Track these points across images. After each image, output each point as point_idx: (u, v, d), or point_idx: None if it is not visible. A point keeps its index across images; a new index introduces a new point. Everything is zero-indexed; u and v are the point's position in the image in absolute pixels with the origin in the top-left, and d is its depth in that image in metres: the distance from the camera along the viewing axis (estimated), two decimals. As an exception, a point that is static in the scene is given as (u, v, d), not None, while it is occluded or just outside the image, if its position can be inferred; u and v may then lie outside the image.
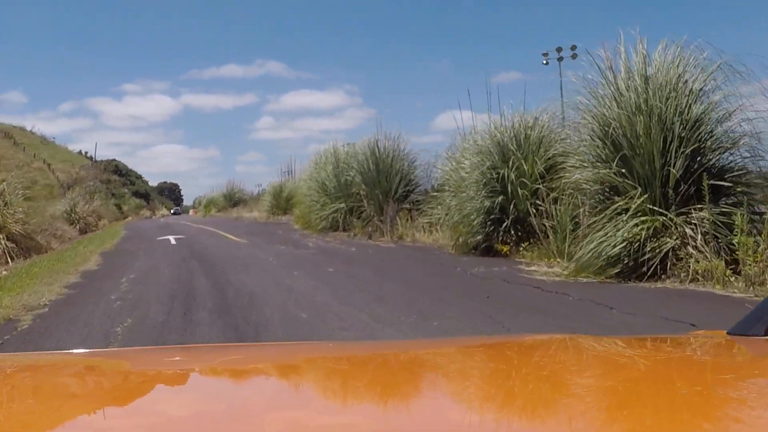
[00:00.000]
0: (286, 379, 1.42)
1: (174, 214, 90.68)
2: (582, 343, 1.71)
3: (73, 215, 33.32)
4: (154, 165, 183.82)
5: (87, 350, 3.97)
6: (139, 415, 1.09)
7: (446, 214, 15.22)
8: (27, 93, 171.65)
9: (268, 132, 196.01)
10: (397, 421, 1.00)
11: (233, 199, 49.95)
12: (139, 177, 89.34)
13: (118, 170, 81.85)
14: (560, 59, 39.25)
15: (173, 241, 19.65)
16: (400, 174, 19.17)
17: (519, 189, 12.80)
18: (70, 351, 3.68)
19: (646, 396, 1.10)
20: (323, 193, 21.47)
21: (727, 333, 1.51)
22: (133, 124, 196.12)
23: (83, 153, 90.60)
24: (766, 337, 1.40)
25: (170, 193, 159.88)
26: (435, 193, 17.17)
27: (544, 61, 41.23)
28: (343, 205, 20.43)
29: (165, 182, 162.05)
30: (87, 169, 75.66)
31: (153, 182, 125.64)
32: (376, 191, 19.04)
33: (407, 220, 18.19)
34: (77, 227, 32.98)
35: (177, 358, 1.73)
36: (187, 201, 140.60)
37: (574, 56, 31.65)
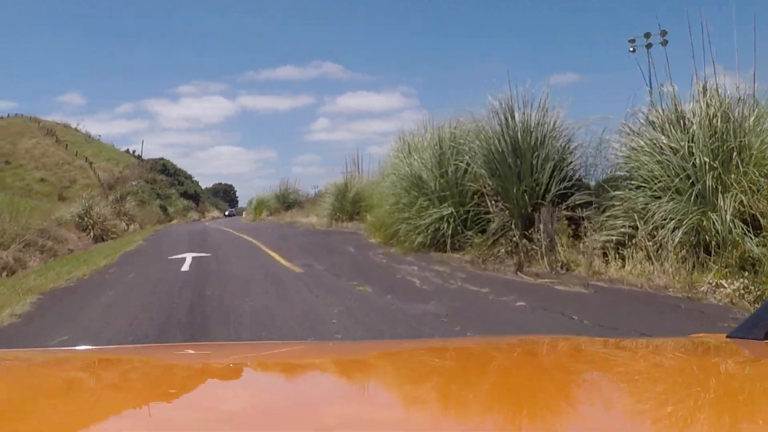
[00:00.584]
0: (335, 375, 1.43)
1: (228, 215, 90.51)
2: (581, 344, 1.71)
3: (86, 219, 26.57)
4: (211, 166, 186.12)
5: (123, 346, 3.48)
6: (196, 409, 1.09)
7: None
8: (85, 95, 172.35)
9: (323, 134, 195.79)
10: (449, 417, 1.02)
11: (287, 201, 42.97)
12: (189, 177, 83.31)
13: (166, 169, 75.84)
14: (649, 45, 32.35)
15: (186, 266, 12.38)
16: (553, 160, 11.65)
17: None
18: (106, 347, 3.61)
19: (645, 399, 1.11)
20: (418, 192, 14.05)
21: (727, 336, 1.55)
22: (189, 126, 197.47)
23: (131, 152, 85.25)
24: (765, 341, 1.42)
25: (225, 195, 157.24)
26: (616, 192, 10.02)
27: (631, 48, 34.76)
28: (451, 210, 13.01)
29: (220, 183, 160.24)
30: (132, 168, 69.75)
31: (209, 184, 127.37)
32: (513, 188, 11.53)
33: (570, 236, 10.69)
34: (91, 234, 26.25)
35: (207, 353, 1.79)
36: (242, 202, 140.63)
37: (664, 42, 25.28)
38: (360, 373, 1.45)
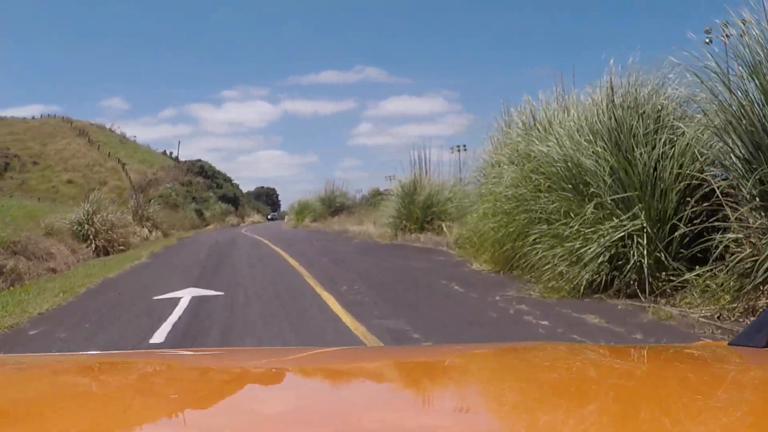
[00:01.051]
0: (375, 380, 1.44)
1: (270, 219, 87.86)
2: (582, 351, 1.74)
3: (86, 228, 21.21)
4: (253, 171, 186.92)
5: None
6: (235, 414, 1.08)
7: None
8: (128, 100, 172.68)
9: (366, 138, 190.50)
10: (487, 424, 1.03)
11: (333, 205, 37.45)
12: (228, 180, 78.31)
13: (204, 172, 70.90)
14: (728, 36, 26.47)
15: (162, 333, 6.51)
16: None
17: None
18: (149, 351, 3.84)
19: (646, 406, 1.11)
20: (575, 192, 8.21)
21: (729, 344, 1.55)
22: (232, 130, 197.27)
23: (168, 153, 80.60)
24: (766, 348, 1.41)
25: (267, 198, 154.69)
26: None
27: (707, 39, 29.02)
28: (641, 222, 7.19)
29: (262, 187, 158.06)
30: (167, 170, 64.87)
31: (250, 187, 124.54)
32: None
33: None
34: (93, 245, 20.90)
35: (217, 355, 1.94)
36: (285, 206, 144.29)
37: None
38: (395, 378, 1.45)
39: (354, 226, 25.69)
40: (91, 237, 21.11)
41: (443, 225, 17.96)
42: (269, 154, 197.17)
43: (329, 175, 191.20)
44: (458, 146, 25.00)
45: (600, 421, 1.03)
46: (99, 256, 20.54)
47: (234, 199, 71.88)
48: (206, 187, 67.89)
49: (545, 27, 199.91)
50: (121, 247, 21.81)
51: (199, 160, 73.53)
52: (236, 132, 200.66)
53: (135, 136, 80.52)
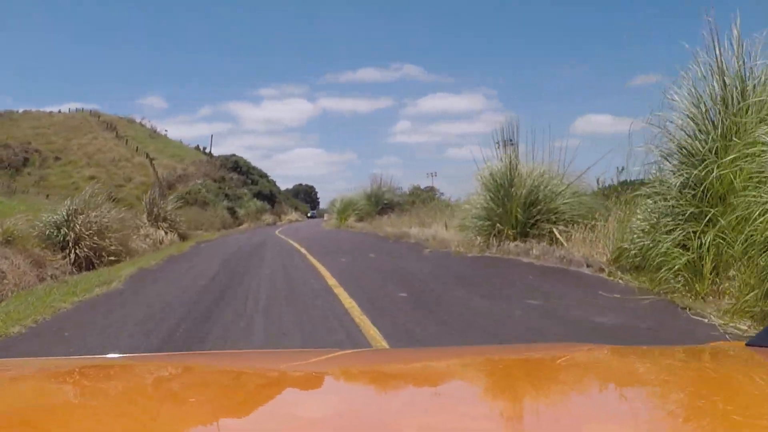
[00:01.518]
0: (412, 384, 1.43)
1: (310, 217, 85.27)
2: (599, 353, 1.74)
3: (64, 232, 15.88)
4: (291, 169, 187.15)
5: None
6: (272, 418, 1.08)
7: None
8: (166, 98, 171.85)
9: (404, 136, 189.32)
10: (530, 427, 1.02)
11: (380, 202, 31.88)
12: (264, 176, 73.19)
13: (238, 167, 65.84)
14: None
15: None
16: None
17: None
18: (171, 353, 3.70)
19: (664, 407, 1.12)
20: None
21: (746, 344, 1.54)
22: (270, 128, 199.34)
23: (201, 149, 75.84)
24: None
25: (306, 196, 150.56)
26: None
27: None
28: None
29: (300, 184, 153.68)
30: (198, 165, 59.95)
31: (288, 185, 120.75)
32: None
33: None
34: (72, 255, 15.60)
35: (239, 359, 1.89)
36: (323, 204, 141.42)
37: None
38: (429, 381, 1.44)
39: (413, 228, 20.09)
40: (70, 244, 15.78)
41: (554, 230, 12.29)
42: (307, 152, 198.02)
43: (368, 174, 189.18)
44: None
45: (617, 424, 1.01)
46: (81, 269, 15.24)
47: (270, 197, 66.72)
48: (240, 183, 62.89)
49: (584, 24, 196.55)
50: (112, 257, 16.44)
51: (234, 155, 68.51)
52: (274, 130, 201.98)
53: (166, 130, 76.18)
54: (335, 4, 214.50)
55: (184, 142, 75.22)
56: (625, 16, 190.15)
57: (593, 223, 11.04)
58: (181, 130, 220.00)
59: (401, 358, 1.89)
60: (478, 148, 14.80)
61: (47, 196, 41.55)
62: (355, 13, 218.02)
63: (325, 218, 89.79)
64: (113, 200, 21.81)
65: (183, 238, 25.94)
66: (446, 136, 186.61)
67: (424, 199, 33.19)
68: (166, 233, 25.15)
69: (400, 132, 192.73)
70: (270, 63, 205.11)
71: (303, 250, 16.16)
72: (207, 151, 72.83)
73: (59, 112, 73.74)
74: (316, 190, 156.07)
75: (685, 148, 7.23)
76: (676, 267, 6.47)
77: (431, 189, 45.39)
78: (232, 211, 50.59)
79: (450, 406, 1.16)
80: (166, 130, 75.24)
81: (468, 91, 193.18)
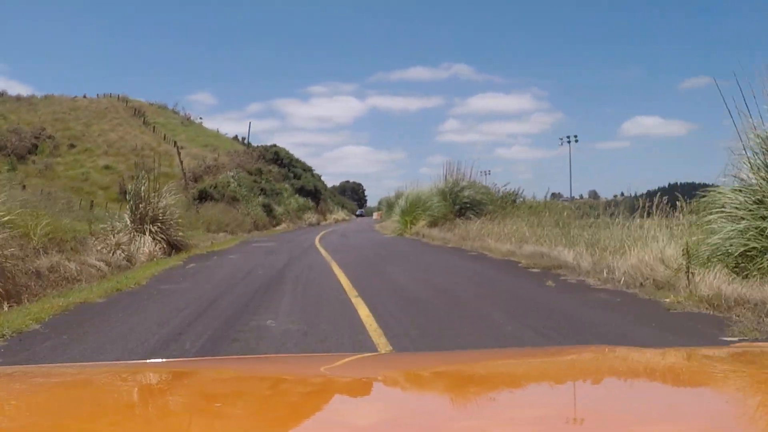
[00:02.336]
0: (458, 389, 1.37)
1: (358, 216, 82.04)
2: (629, 355, 1.71)
3: None
4: (339, 166, 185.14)
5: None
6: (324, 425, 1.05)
7: None
8: (216, 94, 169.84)
9: (453, 135, 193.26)
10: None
11: (458, 201, 22.94)
12: (309, 170, 64.67)
13: (278, 159, 57.41)
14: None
15: None
16: None
17: None
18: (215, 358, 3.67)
19: (699, 407, 1.13)
20: None
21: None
22: (319, 126, 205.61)
23: (240, 139, 67.70)
24: None
25: (353, 194, 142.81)
26: None
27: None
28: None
29: (347, 181, 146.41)
30: (232, 156, 51.59)
31: (335, 182, 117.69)
32: None
33: None
34: None
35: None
36: (371, 201, 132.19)
37: None
38: (473, 385, 1.41)
39: (530, 245, 11.24)
40: None
41: None
42: (356, 149, 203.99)
43: (416, 172, 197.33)
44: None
45: (652, 423, 1.01)
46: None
47: (314, 193, 58.15)
48: (281, 177, 54.44)
49: (636, 25, 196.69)
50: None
51: (274, 146, 60.05)
52: (323, 127, 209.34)
53: (201, 118, 68.06)
54: (387, 2, 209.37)
55: (221, 131, 67.19)
56: (677, 18, 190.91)
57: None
58: (230, 126, 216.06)
59: (428, 361, 1.83)
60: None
61: (41, 191, 33.52)
62: (406, 11, 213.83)
63: (375, 217, 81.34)
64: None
65: (176, 247, 17.35)
66: (495, 135, 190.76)
67: (513, 200, 24.11)
68: (155, 241, 16.67)
69: (449, 131, 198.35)
70: (320, 60, 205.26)
71: (363, 310, 7.26)
72: (245, 141, 64.66)
73: (84, 96, 66.21)
74: (364, 187, 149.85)
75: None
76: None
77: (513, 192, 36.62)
78: (268, 209, 42.11)
79: (496, 410, 1.13)
80: (200, 118, 67.23)
81: (518, 91, 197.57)
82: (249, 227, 35.17)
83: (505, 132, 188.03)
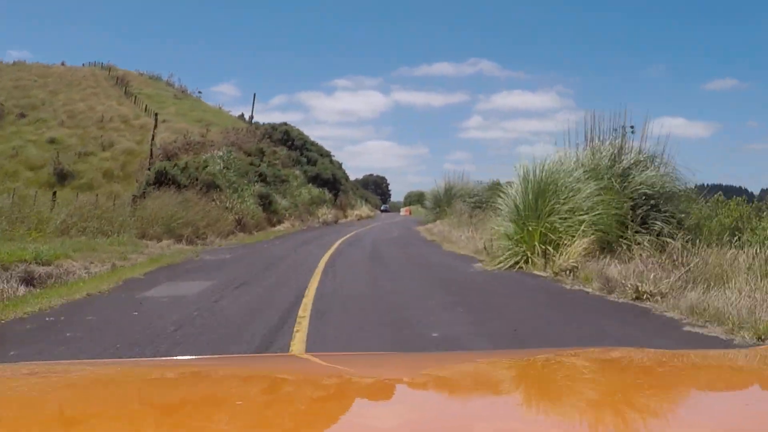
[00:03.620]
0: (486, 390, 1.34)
1: (383, 211, 76.00)
2: (646, 357, 1.68)
3: None
4: (362, 160, 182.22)
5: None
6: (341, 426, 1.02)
7: None
8: (240, 86, 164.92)
9: (476, 131, 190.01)
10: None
11: (547, 203, 10.24)
12: (327, 155, 51.97)
13: (288, 139, 44.91)
14: None
15: None
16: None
17: None
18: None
19: (719, 408, 1.13)
20: None
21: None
22: (342, 120, 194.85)
23: (247, 118, 55.07)
24: None
25: (376, 188, 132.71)
26: None
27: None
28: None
29: (370, 175, 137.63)
30: (228, 134, 38.97)
31: (358, 176, 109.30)
32: None
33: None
34: None
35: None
36: (395, 197, 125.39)
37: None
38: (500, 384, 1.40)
39: None
40: None
41: None
42: (379, 144, 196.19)
43: (439, 168, 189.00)
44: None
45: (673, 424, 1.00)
46: None
47: (333, 183, 45.48)
48: (291, 162, 41.94)
49: (660, 27, 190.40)
50: None
51: (285, 124, 47.46)
52: (346, 121, 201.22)
53: (200, 92, 55.49)
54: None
55: (224, 107, 54.70)
56: (702, 20, 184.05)
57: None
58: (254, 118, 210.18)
59: (445, 361, 1.83)
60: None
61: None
62: (433, 6, 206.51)
63: (404, 213, 68.38)
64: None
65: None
66: (519, 133, 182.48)
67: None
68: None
69: (473, 127, 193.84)
70: (345, 54, 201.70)
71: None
72: (250, 118, 52.07)
73: (62, 64, 53.99)
74: (388, 181, 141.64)
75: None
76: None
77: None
78: (266, 201, 29.56)
79: (509, 411, 1.12)
80: (200, 92, 54.64)
81: (543, 89, 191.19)
82: (230, 227, 22.66)
83: (528, 129, 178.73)
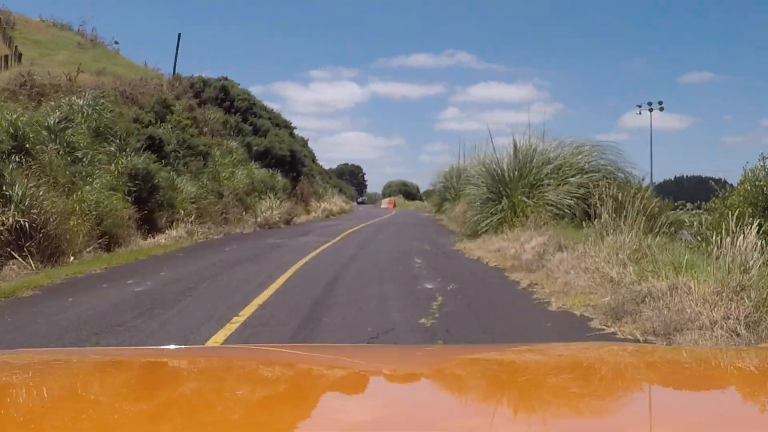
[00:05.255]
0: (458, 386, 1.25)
1: (360, 203, 70.01)
2: (644, 352, 1.63)
3: None
4: (338, 151, 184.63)
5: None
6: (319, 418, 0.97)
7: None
8: (214, 74, 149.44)
9: (452, 123, 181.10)
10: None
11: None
12: (286, 125, 37.06)
13: (227, 99, 30.13)
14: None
15: None
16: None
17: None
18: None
19: (731, 407, 1.07)
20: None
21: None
22: (319, 110, 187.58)
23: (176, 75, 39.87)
24: None
25: (351, 177, 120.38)
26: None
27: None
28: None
29: (345, 164, 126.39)
30: (121, 83, 23.88)
31: (333, 166, 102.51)
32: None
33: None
34: None
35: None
36: (371, 188, 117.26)
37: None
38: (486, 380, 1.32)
39: None
40: None
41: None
42: (355, 135, 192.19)
43: (415, 159, 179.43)
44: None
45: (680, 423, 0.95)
46: None
47: (291, 163, 30.70)
48: (230, 130, 27.38)
49: (639, 20, 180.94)
50: None
51: (225, 78, 32.30)
52: (323, 112, 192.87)
53: (116, 42, 39.86)
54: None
55: (148, 63, 39.44)
56: (680, 12, 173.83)
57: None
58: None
59: (423, 355, 1.73)
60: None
61: None
62: None
63: (386, 206, 56.11)
64: None
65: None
66: (494, 124, 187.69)
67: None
68: None
69: (449, 119, 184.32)
70: (321, 45, 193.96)
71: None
72: (181, 76, 36.89)
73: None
74: (364, 171, 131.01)
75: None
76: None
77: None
78: (145, 187, 14.83)
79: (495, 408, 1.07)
80: (116, 42, 38.88)
81: (521, 81, 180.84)
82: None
83: (505, 121, 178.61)
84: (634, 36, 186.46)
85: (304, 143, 41.26)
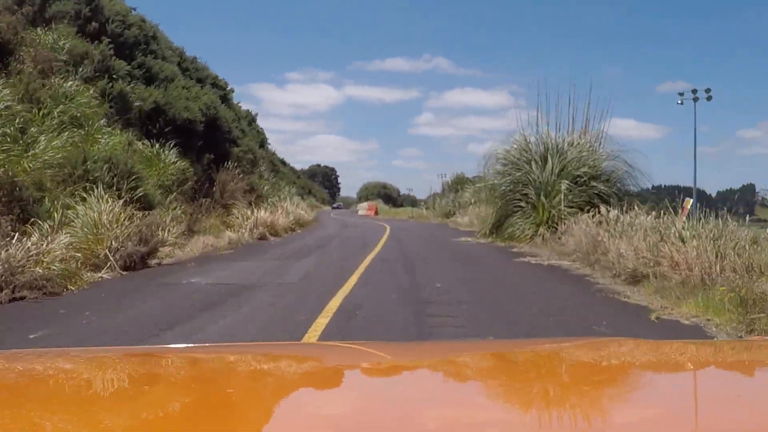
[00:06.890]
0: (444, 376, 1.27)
1: (335, 208, 61.29)
2: (652, 347, 1.57)
3: None
4: (312, 154, 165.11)
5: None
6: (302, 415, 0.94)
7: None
8: None
9: (427, 128, 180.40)
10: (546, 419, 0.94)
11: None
12: (221, 86, 22.87)
13: (94, 19, 15.76)
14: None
15: None
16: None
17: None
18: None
19: (712, 399, 1.05)
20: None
21: None
22: (294, 113, 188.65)
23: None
24: None
25: (324, 179, 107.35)
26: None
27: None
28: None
29: (318, 165, 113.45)
30: None
31: (304, 166, 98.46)
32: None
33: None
34: None
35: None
36: (345, 191, 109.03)
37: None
38: (460, 374, 1.28)
39: None
40: None
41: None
42: (330, 138, 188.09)
43: (388, 164, 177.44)
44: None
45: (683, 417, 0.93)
46: None
47: (204, 137, 16.52)
48: (96, 65, 13.20)
49: (617, 26, 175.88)
50: None
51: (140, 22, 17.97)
52: (298, 115, 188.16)
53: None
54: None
55: None
56: (657, 21, 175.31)
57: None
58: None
59: (416, 351, 1.67)
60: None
61: None
62: (388, 1, 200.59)
63: (366, 213, 47.98)
64: None
65: None
66: (469, 131, 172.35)
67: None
68: None
69: (423, 124, 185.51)
70: (297, 46, 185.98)
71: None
72: None
73: None
74: (337, 174, 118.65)
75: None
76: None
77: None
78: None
79: (468, 400, 1.05)
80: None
81: (496, 87, 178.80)
82: None
83: (480, 127, 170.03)
84: (612, 44, 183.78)
85: (251, 119, 27.06)
